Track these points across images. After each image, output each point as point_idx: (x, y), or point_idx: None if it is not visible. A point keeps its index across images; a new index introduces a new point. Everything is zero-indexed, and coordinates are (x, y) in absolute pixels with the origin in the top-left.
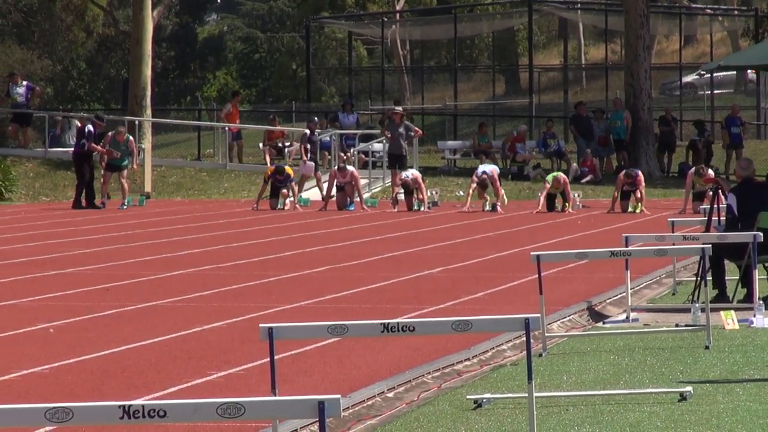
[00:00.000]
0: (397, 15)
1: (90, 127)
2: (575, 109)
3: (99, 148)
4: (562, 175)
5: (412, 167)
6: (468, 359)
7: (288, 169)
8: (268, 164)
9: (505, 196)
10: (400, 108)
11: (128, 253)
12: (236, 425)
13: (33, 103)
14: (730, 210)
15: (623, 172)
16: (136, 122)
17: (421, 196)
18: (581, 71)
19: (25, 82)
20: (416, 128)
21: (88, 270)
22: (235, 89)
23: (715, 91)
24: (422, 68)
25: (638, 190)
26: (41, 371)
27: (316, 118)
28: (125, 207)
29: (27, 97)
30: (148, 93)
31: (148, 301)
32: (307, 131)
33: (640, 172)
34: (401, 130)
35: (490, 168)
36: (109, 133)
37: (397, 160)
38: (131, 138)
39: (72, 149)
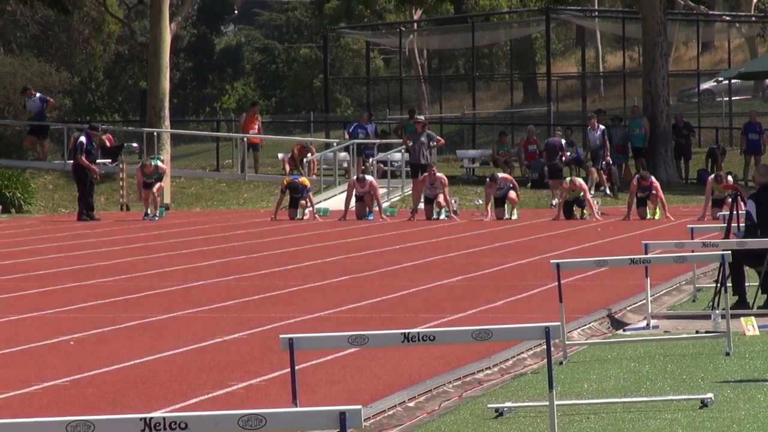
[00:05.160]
0: (415, 24)
1: (82, 138)
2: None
3: (85, 161)
4: (579, 179)
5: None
6: (488, 368)
7: (303, 180)
8: (287, 174)
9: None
10: (422, 117)
11: (149, 265)
12: None
13: (50, 116)
14: (750, 216)
15: (636, 177)
16: (155, 133)
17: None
18: (599, 79)
19: (38, 94)
20: (438, 137)
21: (109, 281)
22: (253, 100)
23: (733, 98)
24: (440, 77)
25: (657, 196)
26: (62, 383)
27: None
28: (157, 218)
29: (41, 109)
30: (167, 104)
31: (169, 312)
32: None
33: (653, 178)
34: (423, 139)
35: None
36: (137, 168)
37: (418, 170)
38: (158, 163)
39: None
